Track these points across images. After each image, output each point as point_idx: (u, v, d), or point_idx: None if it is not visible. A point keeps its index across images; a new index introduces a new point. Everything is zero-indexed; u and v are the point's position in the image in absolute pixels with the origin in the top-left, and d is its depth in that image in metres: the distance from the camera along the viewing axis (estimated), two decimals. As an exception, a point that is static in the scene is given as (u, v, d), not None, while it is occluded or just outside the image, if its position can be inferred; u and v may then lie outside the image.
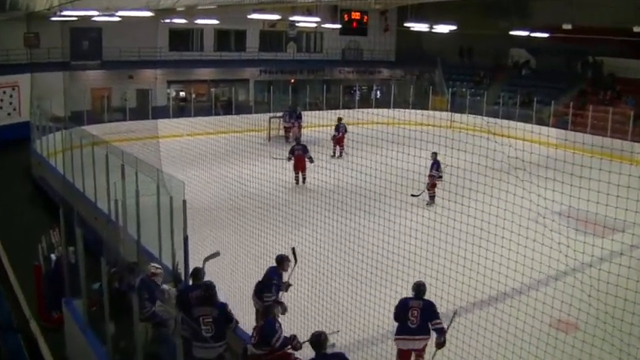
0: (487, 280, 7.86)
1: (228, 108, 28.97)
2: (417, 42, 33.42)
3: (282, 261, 8.29)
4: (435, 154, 15.55)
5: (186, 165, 15.04)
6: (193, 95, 29.44)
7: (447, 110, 28.37)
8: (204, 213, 12.42)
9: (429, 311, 7.34)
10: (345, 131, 21.08)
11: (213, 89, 31.12)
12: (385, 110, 15.72)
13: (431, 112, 21.84)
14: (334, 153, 20.79)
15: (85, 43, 26.45)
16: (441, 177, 15.72)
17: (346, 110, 20.36)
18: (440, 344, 7.22)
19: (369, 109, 21.48)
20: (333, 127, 21.70)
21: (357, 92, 33.69)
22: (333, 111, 18.17)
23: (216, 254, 8.46)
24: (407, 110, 19.01)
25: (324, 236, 9.51)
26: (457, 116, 25.62)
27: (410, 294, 7.52)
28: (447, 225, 8.14)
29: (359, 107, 28.01)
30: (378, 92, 35.71)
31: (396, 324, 7.44)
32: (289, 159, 18.17)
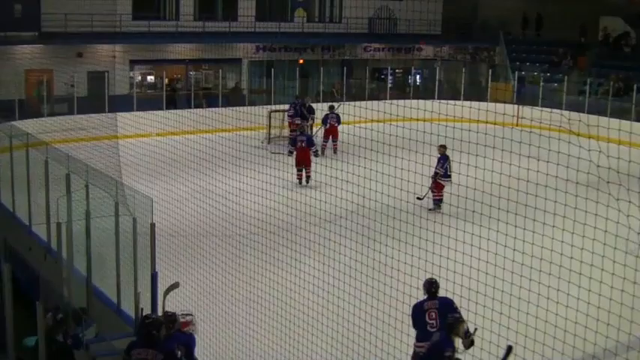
0: (568, 336, 7.92)
1: (213, 98, 29.93)
2: (472, 8, 33.55)
3: None
4: (443, 147, 16.82)
5: (156, 175, 15.46)
6: (166, 81, 30.25)
7: (511, 102, 29.23)
8: (179, 241, 13.00)
9: (449, 309, 8.26)
10: (338, 123, 23.91)
11: (192, 73, 31.83)
12: (428, 102, 15.50)
13: (490, 105, 22.19)
14: (320, 151, 22.25)
15: (18, 8, 27.03)
16: (449, 177, 17.21)
17: (374, 102, 20.35)
18: (467, 343, 7.85)
19: (406, 101, 21.09)
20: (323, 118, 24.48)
21: (390, 77, 34.51)
22: (357, 103, 18.30)
23: (175, 285, 9.08)
24: (457, 102, 18.97)
25: (341, 271, 10.00)
26: (526, 110, 26.35)
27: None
28: (510, 258, 8.49)
29: (392, 98, 28.40)
30: (418, 77, 36.51)
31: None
32: (290, 153, 20.29)
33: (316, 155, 19.86)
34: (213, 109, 25.57)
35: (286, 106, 26.85)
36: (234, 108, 21.38)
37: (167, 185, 14.67)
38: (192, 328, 8.60)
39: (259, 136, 24.65)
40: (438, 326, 8.40)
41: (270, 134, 26.56)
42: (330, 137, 24.26)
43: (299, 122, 23.72)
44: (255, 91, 32.85)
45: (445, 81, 34.35)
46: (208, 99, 30.35)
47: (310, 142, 20.27)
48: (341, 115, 23.70)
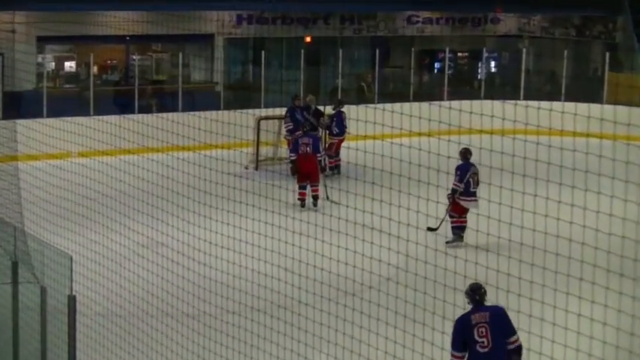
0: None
1: (168, 98, 25.07)
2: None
3: None
4: (466, 151, 15.13)
5: (78, 220, 13.49)
6: (94, 70, 25.33)
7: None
8: (114, 323, 11.01)
9: (502, 322, 8.34)
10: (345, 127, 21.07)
11: (136, 58, 26.84)
12: (509, 104, 10.76)
13: (607, 109, 17.99)
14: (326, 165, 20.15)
15: None
16: (473, 196, 15.37)
17: (422, 104, 14.59)
18: None
19: (474, 102, 19.39)
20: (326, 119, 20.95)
21: (449, 65, 27.56)
22: (395, 105, 14.83)
23: None
24: (555, 105, 13.73)
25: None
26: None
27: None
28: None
29: (451, 97, 23.84)
30: (493, 65, 30.13)
31: None
32: (292, 162, 18.44)
33: (323, 171, 18.30)
34: (169, 114, 19.45)
35: (283, 111, 21.98)
36: (202, 113, 16.25)
37: (96, 236, 12.58)
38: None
39: (242, 157, 19.75)
40: (491, 346, 8.16)
41: (258, 154, 21.95)
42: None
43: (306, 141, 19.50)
44: (235, 86, 26.75)
45: (536, 71, 28.42)
46: (161, 99, 25.43)
47: (317, 144, 18.36)
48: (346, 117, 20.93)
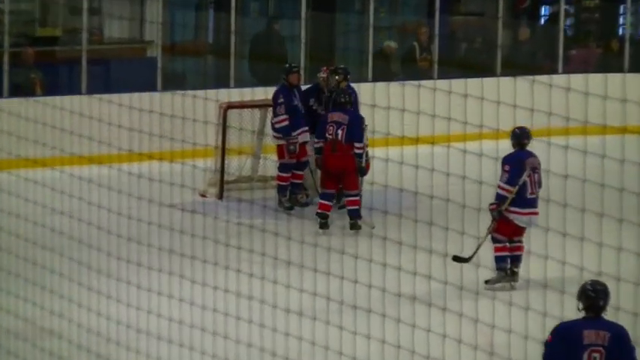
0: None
1: (64, 70, 19.52)
2: None
3: None
4: (522, 133, 11.14)
5: None
6: None
7: None
8: None
9: (623, 347, 6.99)
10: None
11: None
12: None
13: None
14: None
15: None
16: (532, 206, 11.32)
17: (524, 80, 11.42)
18: None
19: (614, 76, 15.14)
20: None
21: (566, 10, 21.54)
22: (469, 82, 10.15)
23: None
24: None
25: None
26: None
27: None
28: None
29: (569, 67, 19.19)
30: None
31: None
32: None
33: (362, 173, 12.79)
34: (64, 99, 15.33)
35: (269, 93, 15.63)
36: (125, 97, 13.09)
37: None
38: None
39: (195, 176, 14.01)
40: None
41: (224, 171, 15.71)
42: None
43: (314, 148, 14.14)
44: (181, 49, 20.10)
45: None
46: (50, 71, 19.25)
47: (356, 129, 12.81)
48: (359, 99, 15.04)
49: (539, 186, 11.44)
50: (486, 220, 11.17)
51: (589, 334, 7.06)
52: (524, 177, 11.28)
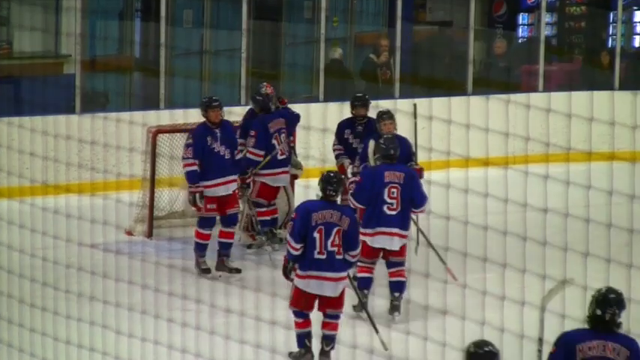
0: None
1: None
2: None
3: None
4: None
5: None
6: None
7: None
8: None
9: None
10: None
11: None
12: None
13: None
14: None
15: None
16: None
17: (498, 98, 11.54)
18: None
19: (601, 93, 14.08)
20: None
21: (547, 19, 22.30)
22: (434, 101, 9.94)
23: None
24: None
25: None
26: None
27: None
28: None
29: (550, 86, 18.20)
30: None
31: None
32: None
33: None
34: None
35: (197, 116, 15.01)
36: (38, 120, 12.21)
37: None
38: None
39: (119, 211, 12.71)
40: None
41: (152, 206, 14.38)
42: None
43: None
44: (103, 63, 18.74)
45: None
46: None
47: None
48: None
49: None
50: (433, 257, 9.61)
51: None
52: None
